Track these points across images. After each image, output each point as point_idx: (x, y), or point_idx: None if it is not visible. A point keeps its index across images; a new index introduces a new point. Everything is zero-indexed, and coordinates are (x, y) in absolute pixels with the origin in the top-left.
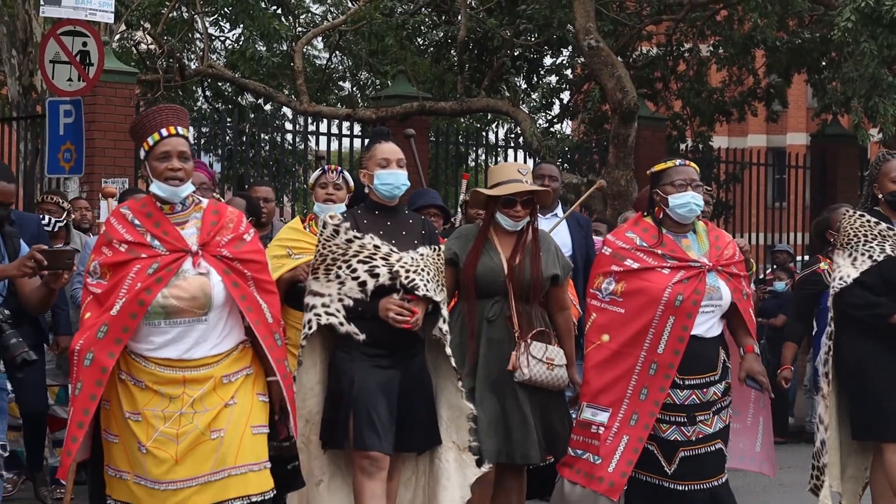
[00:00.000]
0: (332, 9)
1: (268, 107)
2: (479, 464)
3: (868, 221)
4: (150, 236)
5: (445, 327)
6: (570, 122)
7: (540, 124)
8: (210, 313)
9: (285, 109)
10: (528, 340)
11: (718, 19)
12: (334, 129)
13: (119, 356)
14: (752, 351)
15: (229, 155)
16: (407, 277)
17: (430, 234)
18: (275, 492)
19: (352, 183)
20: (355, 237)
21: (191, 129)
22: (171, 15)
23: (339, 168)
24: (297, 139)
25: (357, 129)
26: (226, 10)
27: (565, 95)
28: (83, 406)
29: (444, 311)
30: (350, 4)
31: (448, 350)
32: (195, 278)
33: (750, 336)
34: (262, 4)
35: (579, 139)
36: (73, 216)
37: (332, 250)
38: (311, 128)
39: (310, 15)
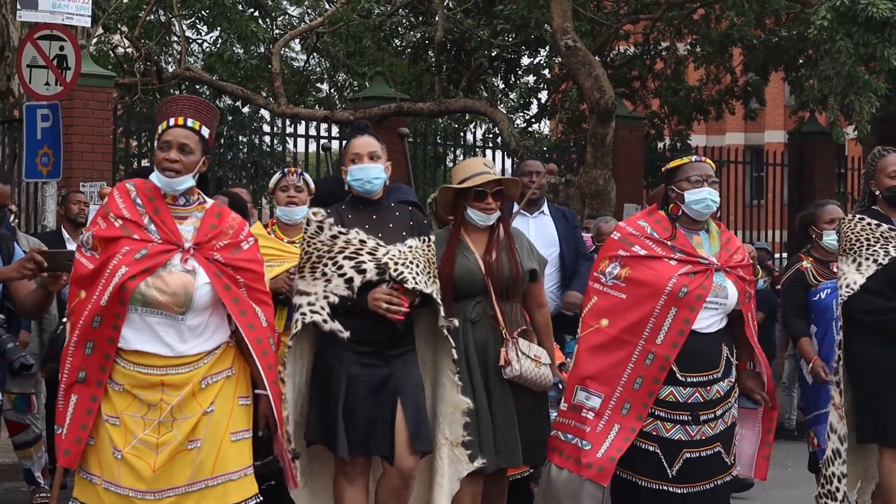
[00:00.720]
0: (309, 11)
1: (245, 109)
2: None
3: (869, 224)
4: (147, 218)
5: (447, 319)
6: (547, 122)
7: (518, 124)
8: (188, 314)
9: (263, 112)
10: (515, 337)
11: (695, 18)
12: (312, 131)
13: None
14: (745, 368)
15: None
16: (396, 270)
17: (418, 225)
18: (260, 498)
19: (312, 185)
20: (340, 233)
21: (205, 128)
22: (148, 18)
23: (300, 170)
24: (275, 141)
25: (335, 130)
26: (203, 12)
27: (543, 95)
28: (91, 393)
29: (441, 302)
30: (327, 6)
31: (451, 341)
32: (180, 275)
33: (747, 350)
34: (240, 7)
35: (557, 139)
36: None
37: (316, 247)
38: (290, 130)
39: (287, 17)
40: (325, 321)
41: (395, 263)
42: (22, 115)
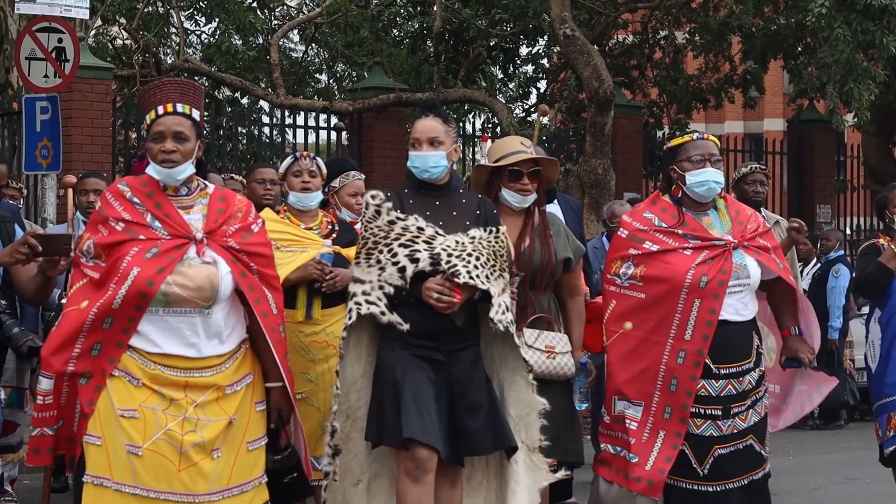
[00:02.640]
0: (307, 1)
1: (244, 100)
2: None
3: None
4: (150, 216)
5: (508, 316)
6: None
7: (517, 114)
8: (214, 306)
9: (262, 103)
10: (521, 329)
11: (694, 6)
12: (311, 122)
13: None
14: (788, 335)
15: (207, 149)
16: (448, 262)
17: (486, 215)
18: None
19: (325, 170)
20: (398, 218)
21: (195, 111)
22: (146, 10)
23: (312, 154)
24: (275, 132)
25: (334, 121)
26: (201, 4)
27: (542, 85)
28: (89, 397)
29: (503, 299)
30: None
31: (517, 340)
32: (202, 267)
33: (793, 317)
34: None
35: (556, 128)
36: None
37: (373, 233)
38: (289, 120)
39: (285, 8)
40: (382, 313)
41: (449, 255)
42: (21, 107)
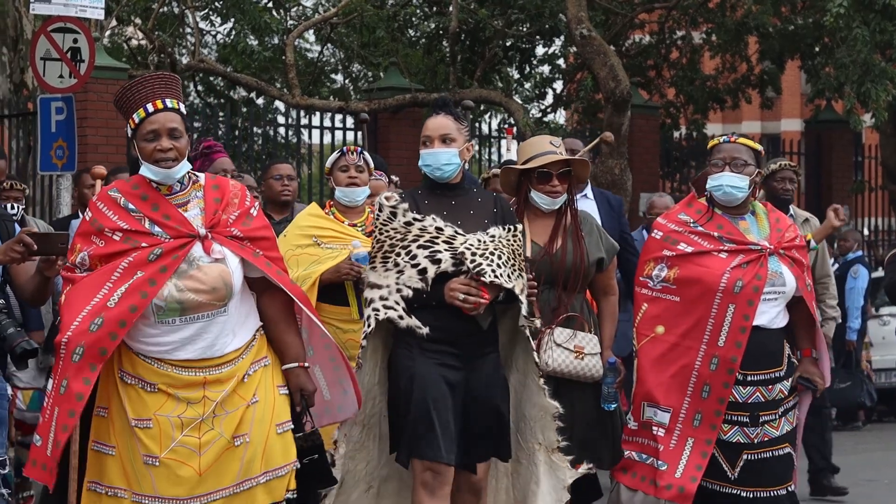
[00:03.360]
0: (323, 1)
1: (260, 101)
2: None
3: None
4: (148, 222)
5: (532, 319)
6: (563, 112)
7: (533, 114)
8: (230, 302)
9: (277, 103)
10: (552, 327)
11: (711, 6)
12: (327, 122)
13: (123, 356)
14: (810, 355)
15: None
16: (472, 261)
17: (503, 213)
18: (295, 493)
19: (372, 164)
20: (415, 219)
21: (182, 104)
22: (161, 10)
23: (360, 148)
24: (290, 133)
25: (350, 121)
26: (216, 4)
27: (558, 85)
28: (69, 407)
29: (524, 298)
30: None
31: (533, 343)
32: (212, 266)
33: (810, 338)
34: None
35: (573, 128)
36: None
37: (389, 235)
38: (304, 121)
39: (301, 8)
40: (400, 317)
41: (473, 254)
42: (36, 108)
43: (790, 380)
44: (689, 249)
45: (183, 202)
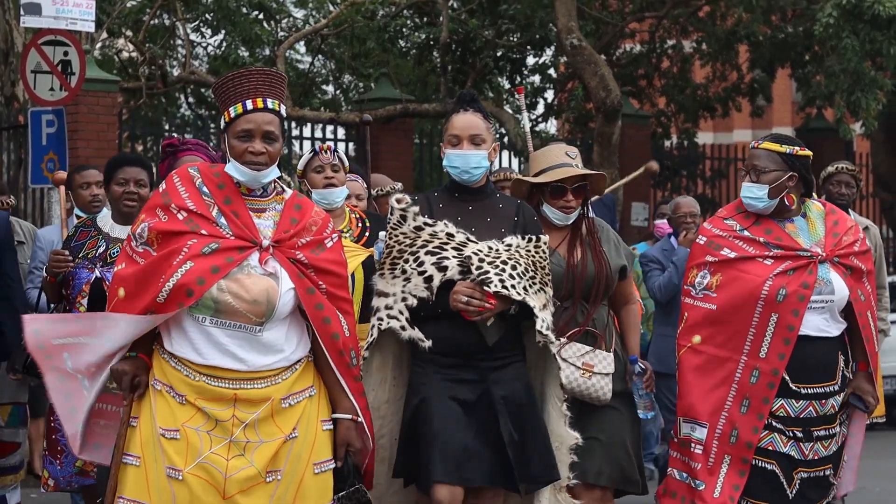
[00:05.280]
0: (313, 13)
1: None
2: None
3: None
4: (216, 210)
5: (550, 336)
6: (554, 121)
7: (524, 124)
8: (267, 324)
9: None
10: (562, 342)
11: (701, 15)
12: (318, 134)
13: (155, 363)
14: (865, 370)
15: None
16: (479, 268)
17: (525, 222)
18: None
19: (347, 162)
20: (425, 224)
21: (283, 107)
22: (152, 22)
23: (332, 147)
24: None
25: (341, 132)
26: (207, 16)
27: (549, 95)
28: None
29: (544, 314)
30: (332, 8)
31: (560, 362)
32: (262, 279)
33: (863, 351)
34: (244, 10)
35: (564, 138)
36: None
37: (398, 240)
38: (295, 132)
39: (291, 19)
40: (402, 328)
41: (481, 260)
42: (27, 120)
43: (842, 395)
44: (733, 255)
45: (259, 208)
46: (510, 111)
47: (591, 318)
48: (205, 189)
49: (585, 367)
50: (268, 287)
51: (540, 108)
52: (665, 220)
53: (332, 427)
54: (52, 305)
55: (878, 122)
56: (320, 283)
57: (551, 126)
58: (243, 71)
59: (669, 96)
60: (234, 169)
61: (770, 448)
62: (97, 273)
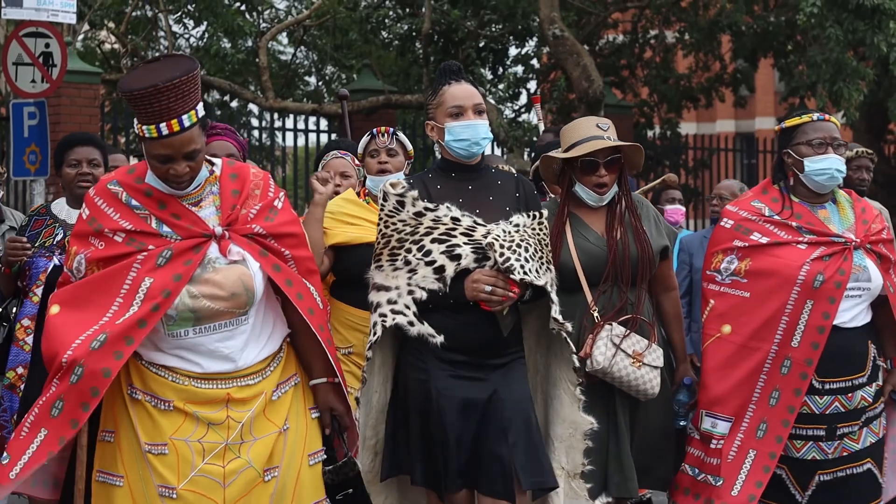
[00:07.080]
0: (295, 4)
1: (234, 104)
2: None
3: None
4: (155, 221)
5: (566, 323)
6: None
7: (507, 115)
8: (251, 310)
9: (251, 106)
10: (610, 322)
11: (683, 5)
12: (301, 125)
13: (131, 369)
14: None
15: None
16: (502, 255)
17: (527, 197)
18: None
19: (409, 146)
20: (426, 209)
21: (199, 106)
22: (134, 14)
23: (392, 129)
24: (264, 135)
25: (324, 124)
26: (189, 7)
27: (532, 85)
28: (60, 433)
29: (555, 296)
30: None
31: (572, 346)
32: (230, 269)
33: (894, 343)
34: (226, 1)
35: (547, 128)
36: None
37: (397, 229)
38: (278, 123)
39: (274, 10)
40: (411, 323)
41: (501, 246)
42: (8, 113)
43: (874, 385)
44: (764, 240)
45: (196, 200)
46: (493, 102)
47: (642, 306)
48: (133, 202)
49: (636, 356)
50: (240, 275)
51: (523, 99)
52: (675, 206)
53: (319, 414)
54: (4, 304)
55: (859, 113)
56: (283, 249)
57: (534, 117)
58: (151, 90)
59: (652, 86)
60: (156, 182)
61: (782, 453)
62: (56, 261)
